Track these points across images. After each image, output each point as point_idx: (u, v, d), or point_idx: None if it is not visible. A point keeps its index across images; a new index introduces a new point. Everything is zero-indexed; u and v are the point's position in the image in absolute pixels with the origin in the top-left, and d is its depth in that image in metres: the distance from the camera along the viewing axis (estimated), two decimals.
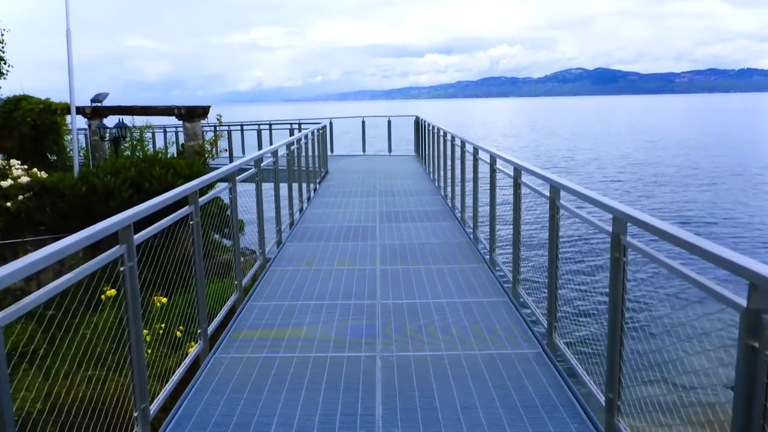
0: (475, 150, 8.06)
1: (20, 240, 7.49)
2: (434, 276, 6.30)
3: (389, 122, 20.64)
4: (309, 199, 11.35)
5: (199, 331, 4.39)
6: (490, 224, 6.86)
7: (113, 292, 3.14)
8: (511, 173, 5.61)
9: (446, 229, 8.64)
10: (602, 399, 3.35)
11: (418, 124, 18.82)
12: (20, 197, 8.37)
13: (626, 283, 3.12)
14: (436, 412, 3.53)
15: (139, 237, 3.29)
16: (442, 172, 11.93)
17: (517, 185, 5.47)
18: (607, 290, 3.21)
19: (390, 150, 21.04)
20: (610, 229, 3.20)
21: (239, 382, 3.95)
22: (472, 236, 7.99)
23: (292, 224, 9.05)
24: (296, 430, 3.38)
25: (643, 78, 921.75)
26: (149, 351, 4.80)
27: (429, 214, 9.76)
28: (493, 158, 6.65)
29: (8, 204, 8.12)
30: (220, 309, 5.03)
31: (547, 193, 4.43)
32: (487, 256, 6.86)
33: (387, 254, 7.26)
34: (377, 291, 5.84)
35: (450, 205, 10.38)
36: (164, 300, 5.13)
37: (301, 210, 10.17)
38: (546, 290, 4.54)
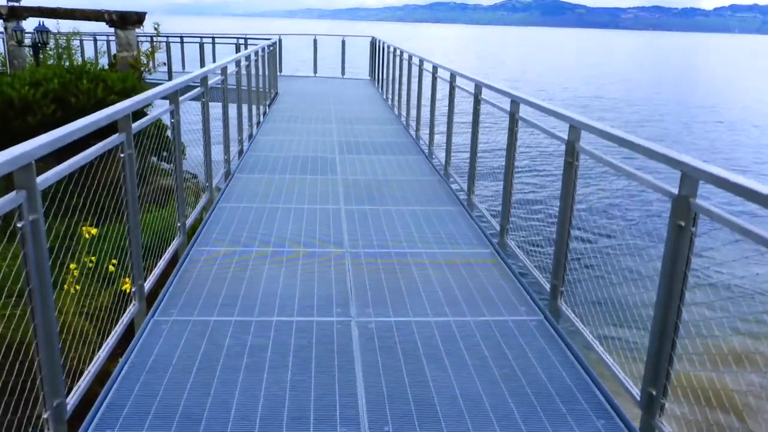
0: (434, 69, 8.35)
1: None
2: (407, 219, 5.61)
3: (343, 43, 19.33)
4: (258, 124, 10.31)
5: (133, 289, 3.56)
6: (446, 146, 7.37)
7: None
8: (472, 90, 6.20)
9: (413, 164, 7.95)
10: (547, 286, 3.96)
11: (374, 46, 17.75)
12: None
13: (576, 186, 3.66)
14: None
15: (49, 177, 2.41)
16: (402, 99, 11.26)
17: (477, 102, 6.11)
18: (556, 195, 3.82)
19: (343, 73, 19.81)
20: (565, 137, 3.69)
21: (185, 356, 3.20)
22: (443, 173, 7.33)
23: (241, 152, 8.10)
24: (259, 424, 2.69)
25: (590, 11, 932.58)
26: (77, 287, 3.98)
27: (392, 146, 9.07)
28: (453, 76, 7.13)
29: None
30: (160, 252, 4.18)
31: (508, 108, 4.96)
32: (464, 196, 6.31)
33: (351, 192, 6.52)
34: (344, 236, 5.11)
35: (414, 136, 9.68)
36: (94, 231, 4.26)
37: (250, 137, 9.18)
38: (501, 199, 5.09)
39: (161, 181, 5.00)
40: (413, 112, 9.99)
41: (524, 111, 4.82)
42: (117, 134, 3.33)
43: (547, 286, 3.98)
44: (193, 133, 5.60)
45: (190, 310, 3.71)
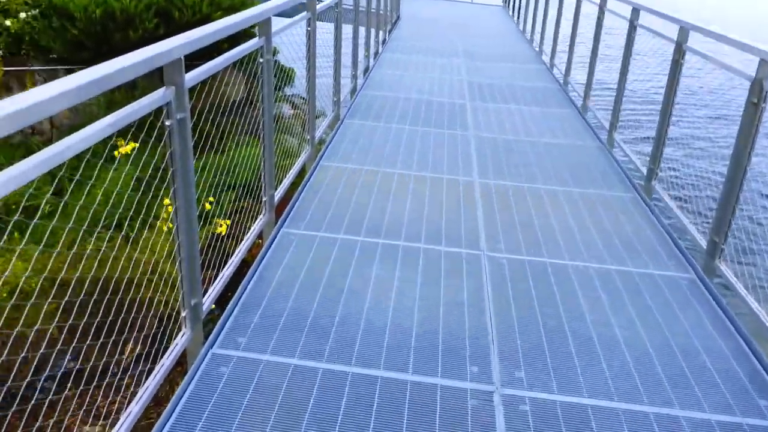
0: None
1: (28, 69, 6.42)
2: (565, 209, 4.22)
3: None
4: (376, 54, 8.90)
5: (264, 198, 3.55)
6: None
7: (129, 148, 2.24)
8: (628, 15, 5.61)
9: (563, 119, 6.41)
10: (703, 242, 3.59)
11: None
12: (23, 15, 7.02)
13: (758, 132, 3.21)
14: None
15: (196, 75, 2.33)
16: (546, 32, 10.05)
17: (632, 28, 5.56)
18: (720, 140, 3.75)
19: None
20: (751, 73, 3.26)
21: (313, 269, 3.16)
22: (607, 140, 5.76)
23: (354, 91, 6.93)
24: (388, 338, 2.61)
25: None
26: (212, 199, 4.06)
27: (536, 94, 7.32)
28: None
29: (8, 23, 6.78)
30: (284, 173, 4.15)
31: (674, 37, 4.45)
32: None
33: (487, 156, 5.09)
34: (480, 234, 3.77)
35: (562, 82, 8.05)
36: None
37: (366, 70, 7.87)
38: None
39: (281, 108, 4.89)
40: (560, 48, 8.78)
41: (694, 42, 4.33)
42: (257, 38, 3.22)
43: (703, 242, 3.56)
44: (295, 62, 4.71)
45: (316, 225, 3.67)
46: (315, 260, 3.27)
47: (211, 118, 3.23)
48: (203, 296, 2.53)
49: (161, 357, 2.28)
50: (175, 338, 2.38)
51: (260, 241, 3.59)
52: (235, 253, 3.06)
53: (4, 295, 4.91)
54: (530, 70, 8.89)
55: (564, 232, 3.81)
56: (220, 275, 2.85)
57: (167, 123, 2.15)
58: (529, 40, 11.70)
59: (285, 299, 2.89)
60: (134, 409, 2.07)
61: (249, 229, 3.35)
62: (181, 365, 2.67)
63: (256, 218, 3.48)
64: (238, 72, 3.36)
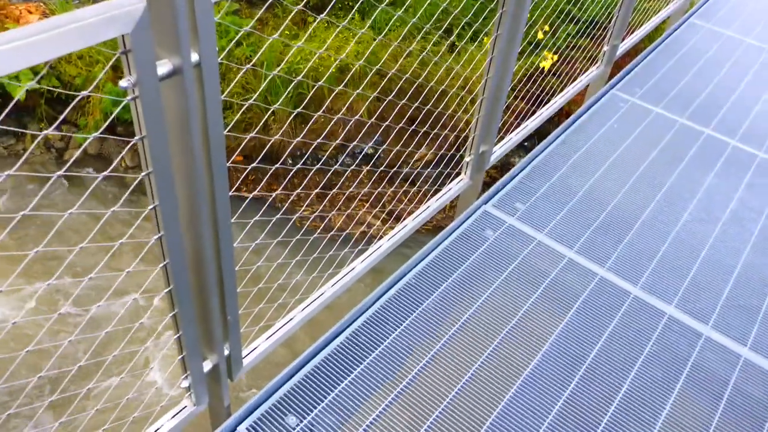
0: None
1: None
2: None
3: None
4: None
5: (605, 48, 2.90)
6: None
7: None
8: None
9: None
10: None
11: None
12: None
13: None
14: None
15: None
16: None
17: None
18: None
19: None
20: None
21: (630, 148, 2.57)
22: None
23: None
24: None
25: None
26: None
27: None
28: None
29: None
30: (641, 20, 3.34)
31: None
32: None
33: None
34: None
35: None
36: None
37: None
38: None
39: None
40: None
41: None
42: None
43: None
44: None
45: (656, 96, 2.95)
46: (637, 141, 2.65)
47: None
48: (493, 145, 2.19)
49: (434, 194, 2.08)
50: (450, 181, 2.14)
51: (581, 97, 3.04)
52: (549, 104, 2.60)
53: (333, 70, 5.27)
54: None
55: None
56: (524, 124, 2.46)
57: None
58: None
59: (580, 181, 2.41)
60: (410, 224, 1.94)
61: (575, 79, 2.81)
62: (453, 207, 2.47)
63: (586, 69, 2.90)
64: None
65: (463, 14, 4.56)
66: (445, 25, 2.60)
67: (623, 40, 3.00)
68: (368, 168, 4.66)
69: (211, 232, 1.16)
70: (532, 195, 2.29)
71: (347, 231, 4.42)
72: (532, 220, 2.19)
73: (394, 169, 4.51)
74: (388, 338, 1.75)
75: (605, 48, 2.87)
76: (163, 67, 0.91)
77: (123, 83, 0.88)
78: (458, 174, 2.15)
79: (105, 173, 1.19)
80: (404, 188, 4.58)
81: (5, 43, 0.71)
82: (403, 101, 1.87)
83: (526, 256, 2.05)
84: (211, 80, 0.99)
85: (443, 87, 2.12)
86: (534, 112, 2.52)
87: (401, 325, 1.79)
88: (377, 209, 4.79)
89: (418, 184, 4.47)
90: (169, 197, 1.03)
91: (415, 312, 1.83)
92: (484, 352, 1.75)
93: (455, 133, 2.40)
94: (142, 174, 1.00)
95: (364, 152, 5.16)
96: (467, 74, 2.24)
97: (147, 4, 0.83)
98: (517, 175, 2.38)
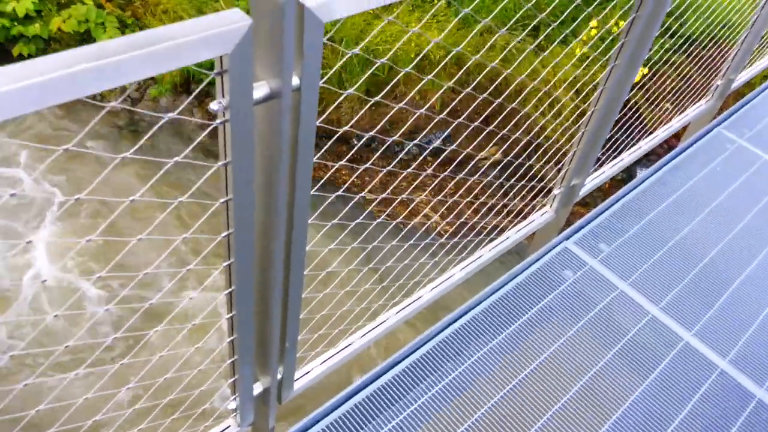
0: None
1: None
2: None
3: None
4: None
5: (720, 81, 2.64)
6: None
7: None
8: None
9: None
10: None
11: None
12: None
13: None
14: None
15: None
16: None
17: None
18: None
19: None
20: None
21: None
22: None
23: None
24: None
25: None
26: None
27: None
28: None
29: None
30: None
31: None
32: None
33: None
34: None
35: None
36: None
37: None
38: None
39: None
40: None
41: None
42: None
43: None
44: None
45: (767, 141, 2.68)
46: (742, 188, 2.41)
47: None
48: (586, 177, 2.01)
49: (518, 217, 1.92)
50: (535, 211, 1.97)
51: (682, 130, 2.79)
52: (651, 137, 2.38)
53: (412, 56, 5.10)
54: None
55: None
56: (621, 156, 2.25)
57: None
58: None
59: (674, 227, 2.20)
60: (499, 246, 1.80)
61: (665, 99, 2.57)
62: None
63: (678, 87, 2.65)
64: None
65: (558, 11, 4.30)
66: (534, 23, 2.40)
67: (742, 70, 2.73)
68: (437, 164, 4.49)
69: (283, 266, 1.05)
70: (619, 236, 2.10)
71: (412, 222, 4.30)
72: (616, 266, 2.00)
73: (466, 170, 4.33)
74: (446, 378, 1.62)
75: (719, 82, 2.62)
76: (260, 91, 0.80)
77: (213, 105, 0.77)
78: (545, 204, 1.98)
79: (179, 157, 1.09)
80: (467, 186, 4.41)
81: (85, 61, 0.60)
82: (483, 96, 1.70)
83: (606, 305, 1.88)
84: (309, 106, 0.86)
85: (527, 90, 1.94)
86: (629, 143, 2.31)
87: (462, 364, 1.65)
88: (437, 199, 4.64)
89: (483, 184, 4.29)
90: (245, 228, 0.93)
91: (480, 350, 1.69)
92: (550, 408, 1.60)
93: (528, 138, 2.23)
94: (220, 200, 0.90)
95: (434, 144, 5.00)
96: (549, 77, 2.05)
97: (253, 23, 0.71)
98: (604, 211, 2.19)
